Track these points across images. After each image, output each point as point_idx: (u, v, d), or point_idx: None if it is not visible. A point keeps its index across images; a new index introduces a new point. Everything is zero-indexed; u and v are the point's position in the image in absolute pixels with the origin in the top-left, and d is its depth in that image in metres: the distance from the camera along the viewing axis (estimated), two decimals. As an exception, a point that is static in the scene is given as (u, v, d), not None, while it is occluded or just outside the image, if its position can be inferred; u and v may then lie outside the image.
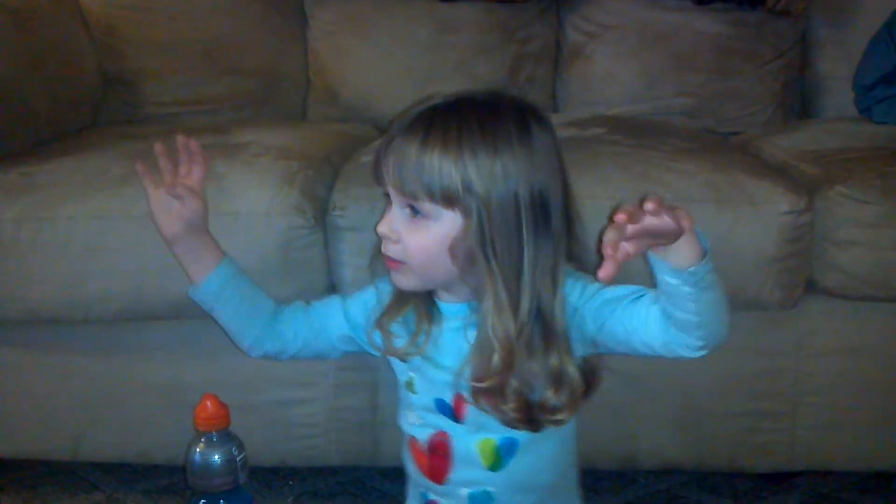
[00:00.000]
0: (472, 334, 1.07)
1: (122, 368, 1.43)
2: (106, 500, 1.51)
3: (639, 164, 1.37)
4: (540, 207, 1.01)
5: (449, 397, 1.11)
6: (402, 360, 1.14)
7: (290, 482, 1.54)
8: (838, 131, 1.65)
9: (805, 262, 1.33)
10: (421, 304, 1.11)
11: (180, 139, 1.17)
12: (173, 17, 1.94)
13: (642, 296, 1.01)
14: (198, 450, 1.10)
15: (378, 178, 1.06)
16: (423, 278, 1.07)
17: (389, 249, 1.05)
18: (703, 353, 0.98)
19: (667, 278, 0.92)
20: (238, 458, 1.10)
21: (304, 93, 2.00)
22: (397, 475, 1.27)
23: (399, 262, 1.05)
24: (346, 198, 1.33)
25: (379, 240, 1.08)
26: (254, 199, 1.31)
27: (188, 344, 1.41)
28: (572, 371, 1.05)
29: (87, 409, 1.45)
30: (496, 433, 1.10)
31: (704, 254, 0.90)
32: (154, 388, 1.43)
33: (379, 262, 1.11)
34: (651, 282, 0.97)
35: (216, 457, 1.09)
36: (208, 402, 1.10)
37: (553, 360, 1.04)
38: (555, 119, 1.52)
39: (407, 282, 1.07)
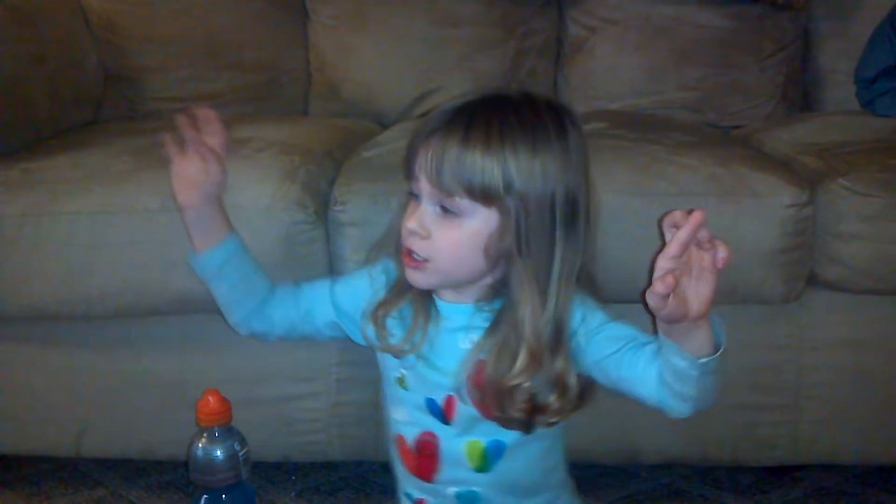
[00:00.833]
0: (472, 337, 1.07)
1: (125, 364, 1.43)
2: (108, 495, 1.51)
3: (641, 158, 1.37)
4: (571, 208, 1.01)
5: (440, 399, 1.10)
6: (396, 356, 1.12)
7: (293, 477, 1.55)
8: (840, 125, 1.65)
9: (807, 255, 1.33)
10: (420, 300, 1.10)
11: (201, 111, 1.15)
12: (174, 13, 1.94)
13: (644, 344, 1.02)
14: (200, 445, 1.10)
15: (409, 174, 1.04)
16: (445, 276, 1.05)
17: (416, 246, 1.03)
18: (688, 415, 1.00)
19: (677, 361, 0.94)
20: (240, 454, 1.11)
21: (306, 88, 2.00)
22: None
23: (422, 261, 1.03)
24: (347, 193, 1.33)
25: (388, 234, 1.07)
26: (255, 193, 1.31)
27: (190, 340, 1.41)
28: (573, 378, 1.05)
29: (89, 404, 1.45)
30: (484, 436, 1.10)
31: (718, 347, 0.93)
32: (156, 383, 1.43)
33: (380, 252, 1.11)
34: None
35: (218, 452, 1.10)
36: (210, 398, 1.10)
37: (559, 365, 1.04)
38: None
39: (426, 280, 1.05)
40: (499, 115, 1.00)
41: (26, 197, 1.34)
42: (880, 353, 1.39)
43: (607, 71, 1.93)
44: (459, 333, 1.08)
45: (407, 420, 1.14)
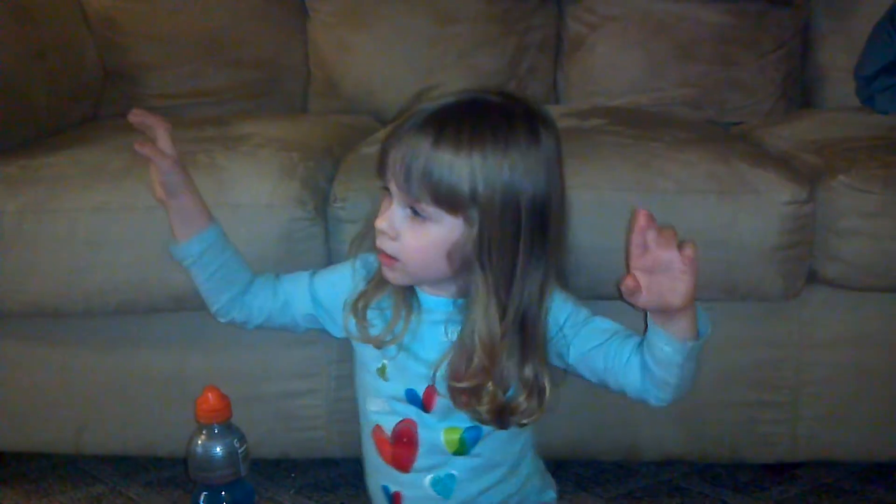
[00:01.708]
0: (453, 330, 1.08)
1: (124, 361, 1.43)
2: (108, 492, 1.51)
3: (641, 155, 1.37)
4: (539, 217, 1.02)
5: (421, 389, 1.11)
6: (377, 347, 1.12)
7: (292, 474, 1.55)
8: (840, 121, 1.65)
9: (807, 252, 1.32)
10: (400, 292, 1.11)
11: (130, 116, 1.16)
12: (174, 10, 1.94)
13: (629, 336, 1.08)
14: (199, 442, 1.10)
15: (381, 173, 1.05)
16: (414, 276, 1.07)
17: (386, 245, 1.05)
18: (667, 404, 1.06)
19: (662, 346, 1.01)
20: (240, 450, 1.11)
21: (305, 84, 2.00)
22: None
23: (393, 259, 1.05)
24: (346, 189, 1.33)
25: (368, 227, 1.08)
26: (255, 190, 1.31)
27: (189, 336, 1.41)
28: (546, 382, 1.07)
29: (88, 401, 1.45)
30: (462, 422, 1.11)
31: (699, 336, 1.01)
32: (155, 380, 1.43)
33: (361, 244, 1.13)
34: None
35: (218, 449, 1.10)
36: (210, 395, 1.10)
37: (528, 371, 1.06)
38: (555, 110, 1.53)
39: (398, 278, 1.07)
40: (470, 122, 1.00)
41: (26, 193, 1.34)
42: (880, 350, 1.39)
43: (607, 67, 1.93)
44: (441, 325, 1.09)
45: (385, 410, 1.14)
